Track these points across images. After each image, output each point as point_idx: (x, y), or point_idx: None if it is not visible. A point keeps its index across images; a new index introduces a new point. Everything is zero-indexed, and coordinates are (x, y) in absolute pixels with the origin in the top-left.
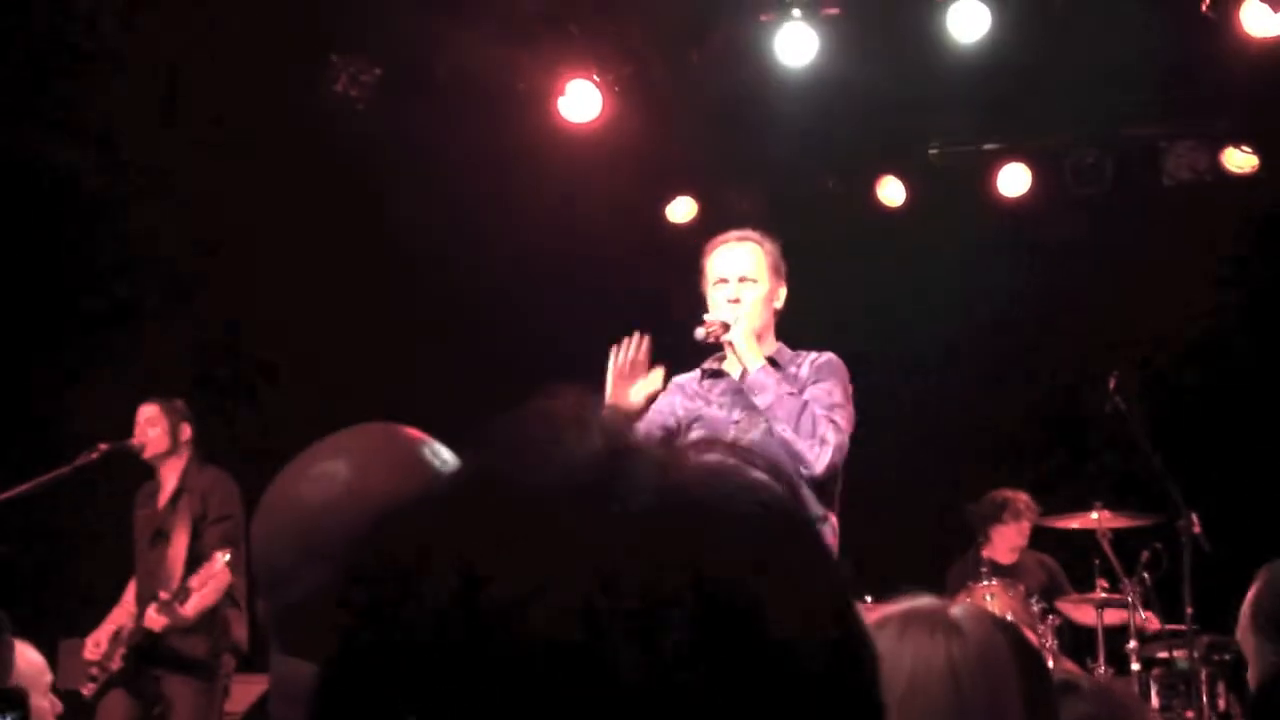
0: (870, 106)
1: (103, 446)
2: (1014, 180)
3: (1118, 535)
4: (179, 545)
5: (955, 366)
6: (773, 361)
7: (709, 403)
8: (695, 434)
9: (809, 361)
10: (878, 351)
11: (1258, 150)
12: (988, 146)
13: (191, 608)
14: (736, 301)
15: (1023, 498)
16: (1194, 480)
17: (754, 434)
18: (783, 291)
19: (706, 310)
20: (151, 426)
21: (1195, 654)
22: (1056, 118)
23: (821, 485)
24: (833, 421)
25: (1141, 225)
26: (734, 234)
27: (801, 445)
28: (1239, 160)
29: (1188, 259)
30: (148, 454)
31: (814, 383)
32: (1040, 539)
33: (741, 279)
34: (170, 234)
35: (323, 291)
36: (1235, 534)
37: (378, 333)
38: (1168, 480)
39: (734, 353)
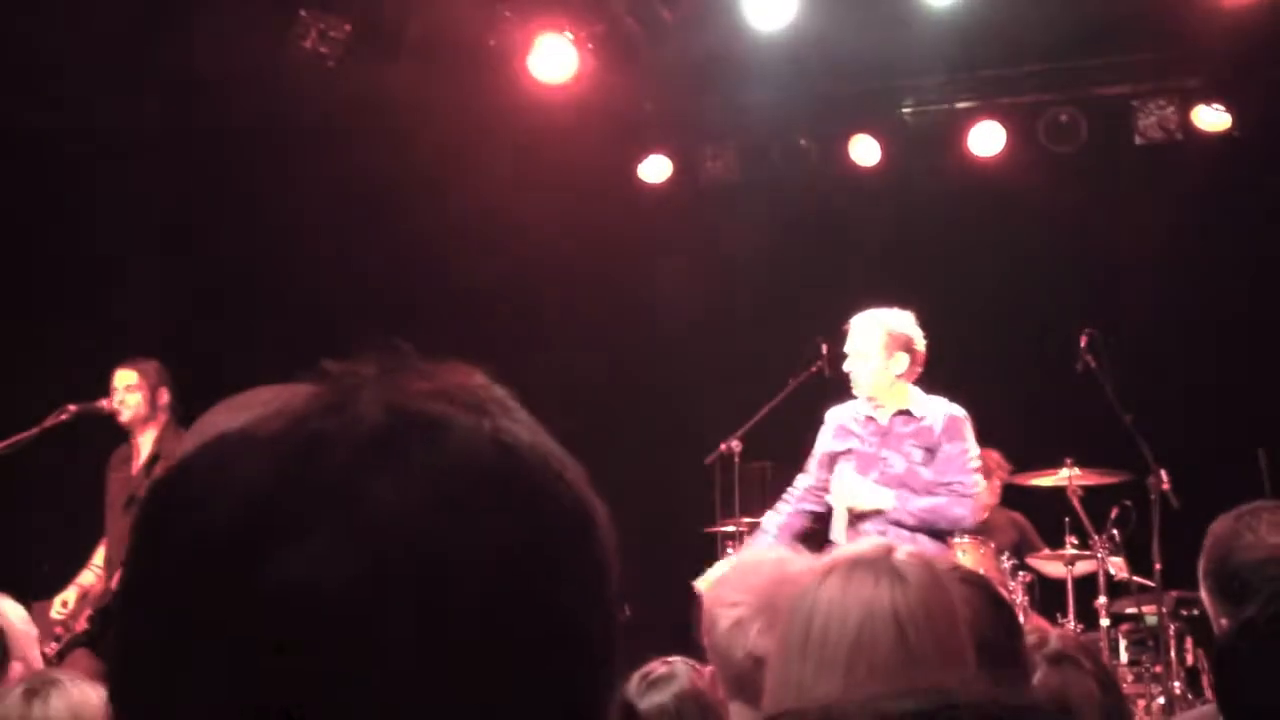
0: (843, 66)
1: (71, 408)
2: (987, 139)
3: (1088, 492)
4: (139, 475)
5: (926, 323)
6: (903, 413)
7: (862, 440)
8: (845, 463)
9: (942, 416)
10: (849, 309)
11: (1229, 109)
12: (961, 105)
13: None
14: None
15: (993, 456)
16: (1163, 438)
17: (898, 465)
18: (901, 357)
19: None
20: (130, 393)
21: (1163, 609)
22: (1030, 77)
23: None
24: (964, 484)
25: (1114, 183)
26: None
27: (945, 524)
28: (1210, 119)
29: (1159, 217)
30: (125, 420)
31: (949, 441)
32: (1011, 496)
33: (855, 353)
34: (139, 194)
35: (294, 249)
36: (1204, 491)
37: (350, 290)
38: (1137, 438)
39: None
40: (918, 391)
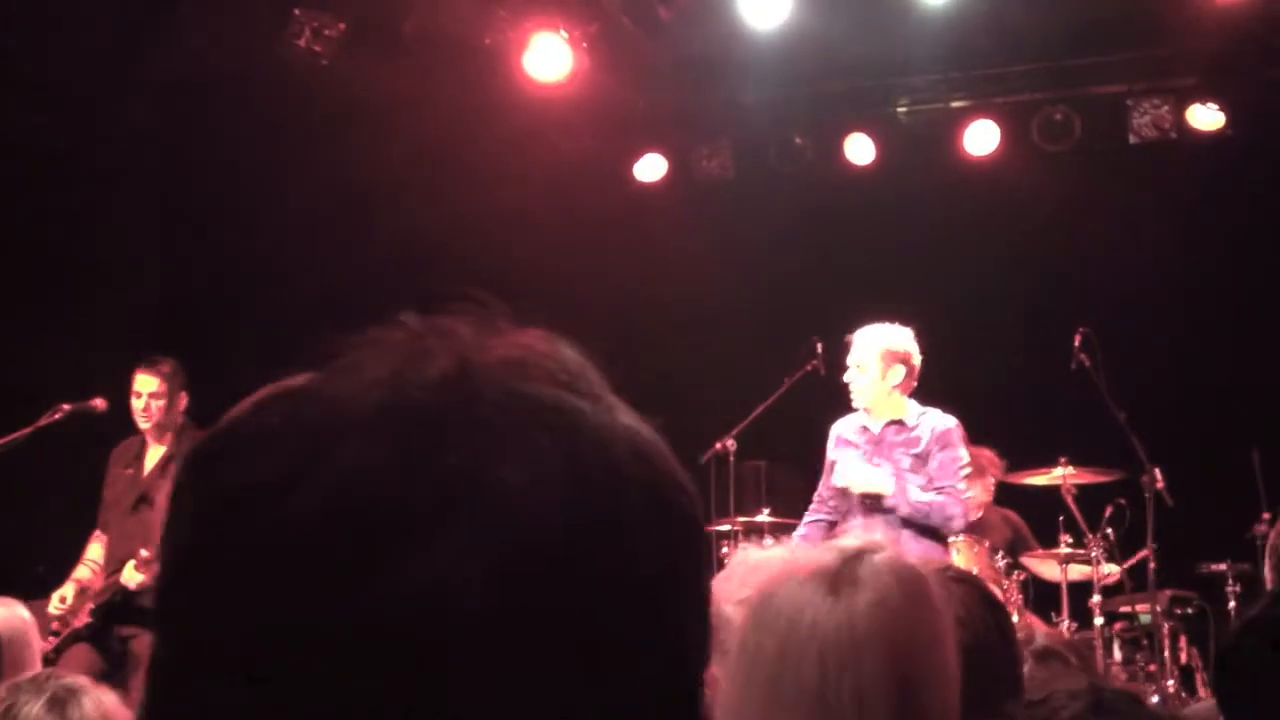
0: (838, 64)
1: (65, 407)
2: (982, 137)
3: (1082, 491)
4: (164, 509)
5: (922, 322)
6: (895, 423)
7: (858, 448)
8: (849, 452)
9: (930, 429)
10: (844, 307)
11: (1223, 108)
12: (956, 104)
13: None
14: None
15: (987, 454)
16: (1158, 436)
17: (888, 471)
18: (898, 370)
19: None
20: (155, 400)
21: (1157, 608)
22: (1024, 75)
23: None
24: (956, 489)
25: (1108, 182)
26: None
27: (935, 525)
28: (1204, 118)
29: (1153, 216)
30: (146, 427)
31: (940, 450)
32: (1005, 494)
33: (856, 365)
34: (133, 193)
35: (289, 248)
36: (1198, 490)
37: (346, 288)
38: (1131, 437)
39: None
40: (913, 403)
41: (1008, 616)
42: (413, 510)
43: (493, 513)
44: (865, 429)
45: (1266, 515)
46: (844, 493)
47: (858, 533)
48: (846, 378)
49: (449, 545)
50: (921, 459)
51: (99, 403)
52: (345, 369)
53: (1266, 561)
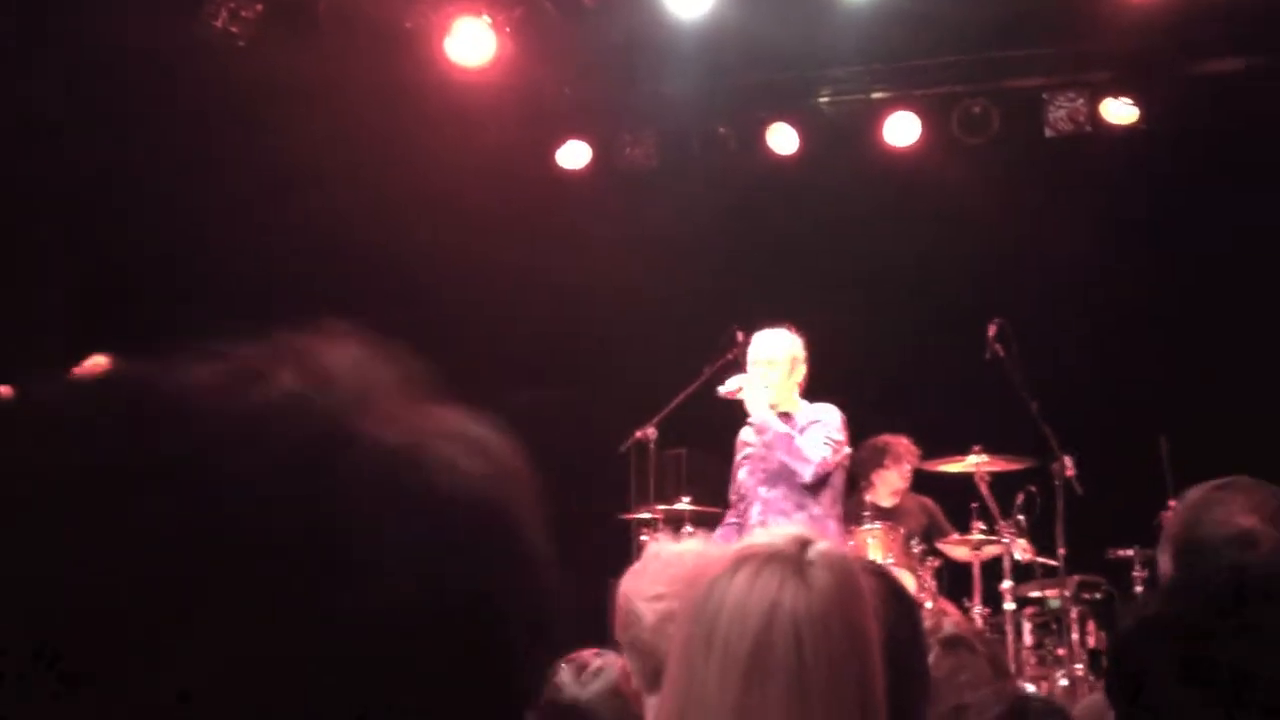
0: (762, 54)
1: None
2: (903, 129)
3: (995, 478)
4: None
5: (840, 311)
6: (786, 414)
7: (753, 445)
8: (743, 468)
9: (810, 414)
10: (765, 297)
11: (1137, 102)
12: (877, 95)
13: None
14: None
15: (903, 442)
16: (1069, 425)
17: (774, 460)
18: (800, 369)
19: None
20: None
21: (1066, 593)
22: (943, 68)
23: (813, 489)
24: (814, 449)
25: (1025, 174)
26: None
27: (795, 465)
28: (1119, 112)
29: (1068, 208)
30: None
31: (811, 424)
32: (921, 482)
33: (769, 361)
34: (42, 178)
35: (206, 232)
36: (1107, 477)
37: (262, 274)
38: (1043, 425)
39: (747, 405)
40: (803, 401)
41: (917, 610)
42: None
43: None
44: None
45: (1173, 502)
46: (743, 493)
47: (783, 529)
48: (753, 372)
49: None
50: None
51: (3, 390)
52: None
53: (1163, 551)
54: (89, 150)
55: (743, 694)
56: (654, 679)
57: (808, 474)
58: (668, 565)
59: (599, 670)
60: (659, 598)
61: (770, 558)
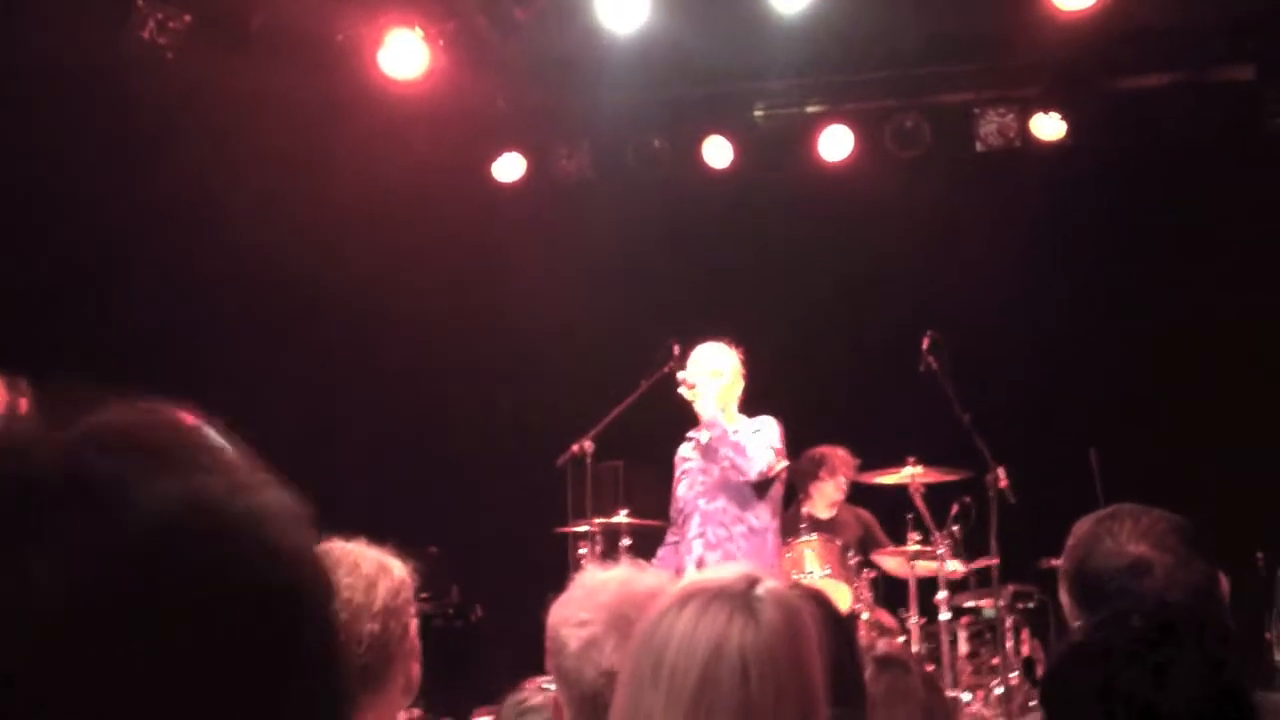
0: (696, 68)
1: None
2: (836, 143)
3: (930, 489)
4: None
5: (776, 324)
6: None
7: (690, 460)
8: (682, 482)
9: (751, 423)
10: (701, 309)
11: (1064, 117)
12: (811, 109)
13: None
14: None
15: (839, 453)
16: (1001, 437)
17: (714, 474)
18: (740, 382)
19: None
20: None
21: (1001, 602)
22: (876, 83)
23: (758, 489)
24: (759, 451)
25: (956, 189)
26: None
27: (740, 461)
28: (1047, 127)
29: (999, 222)
30: None
31: (753, 433)
32: (856, 493)
33: (714, 372)
34: None
35: (130, 249)
36: (1039, 488)
37: (187, 290)
38: (976, 437)
39: (696, 406)
40: (741, 415)
41: (855, 633)
42: None
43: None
44: (696, 441)
45: None
46: (681, 507)
47: (730, 566)
48: (694, 382)
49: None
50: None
51: None
52: None
53: (1061, 586)
54: (4, 164)
55: None
56: (579, 706)
57: (752, 471)
58: (593, 592)
59: (531, 707)
60: (583, 624)
61: (718, 594)
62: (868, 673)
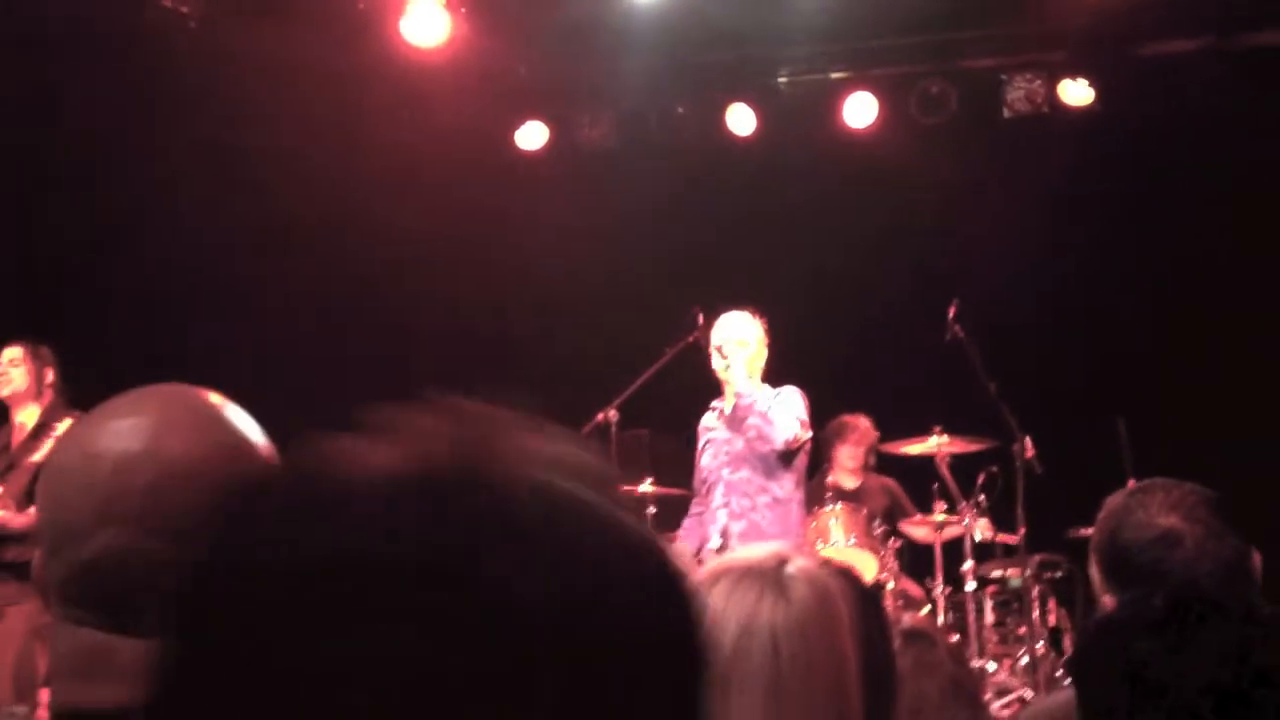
0: (720, 34)
1: None
2: (860, 109)
3: (956, 459)
4: (28, 469)
5: (800, 291)
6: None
7: (714, 429)
8: (706, 453)
9: (776, 395)
10: (725, 277)
11: (1093, 83)
12: (835, 75)
13: (26, 518)
14: (726, 360)
15: (862, 422)
16: (1028, 406)
17: (738, 444)
18: (765, 350)
19: None
20: (15, 367)
21: (1027, 572)
22: (902, 49)
23: (783, 458)
24: (785, 420)
25: (982, 155)
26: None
27: (767, 431)
28: (1075, 93)
29: (1026, 189)
30: (5, 394)
31: (779, 403)
32: (882, 463)
33: (740, 342)
34: None
35: (155, 218)
36: (1066, 458)
37: (213, 258)
38: (1002, 406)
39: (725, 377)
40: (765, 385)
41: (884, 610)
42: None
43: (505, 617)
44: (720, 411)
45: (1131, 482)
46: (705, 477)
47: (761, 546)
48: (726, 352)
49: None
50: (765, 417)
51: None
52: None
53: (1091, 560)
54: (30, 132)
55: (719, 702)
56: None
57: (779, 440)
58: None
59: None
60: None
61: (748, 572)
62: (896, 645)
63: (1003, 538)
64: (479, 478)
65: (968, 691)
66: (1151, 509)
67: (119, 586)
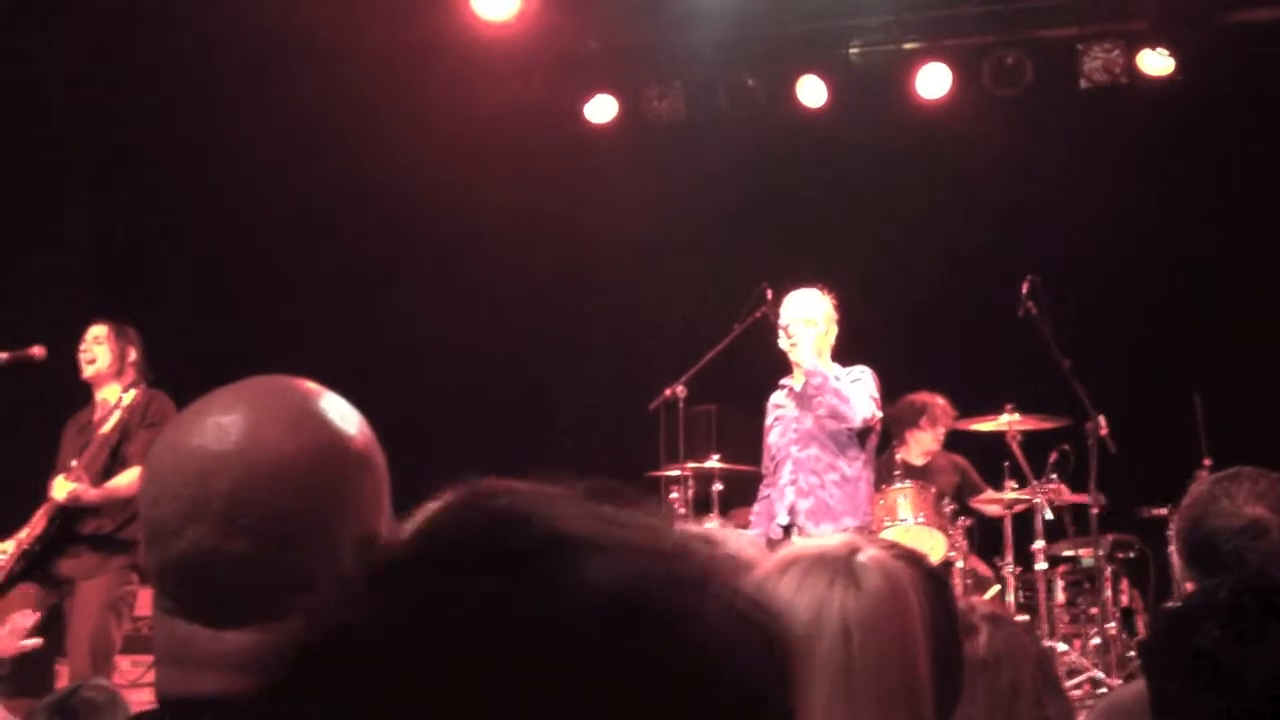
0: (791, 5)
1: (2, 356)
2: (934, 80)
3: (1027, 437)
4: (104, 442)
5: (871, 266)
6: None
7: (784, 408)
8: (774, 430)
9: (848, 373)
10: (794, 252)
11: (1173, 53)
12: (907, 46)
13: (101, 491)
14: (792, 339)
15: (940, 401)
16: (1103, 383)
17: (808, 422)
18: (834, 329)
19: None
20: (98, 344)
21: (1100, 552)
22: (976, 18)
23: (854, 437)
24: (860, 399)
25: (1058, 127)
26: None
27: (843, 409)
28: (1155, 63)
29: (1102, 161)
30: (88, 373)
31: (853, 381)
32: (952, 440)
33: (808, 320)
34: (63, 129)
35: (229, 185)
36: (1141, 436)
37: (287, 227)
38: (1075, 384)
39: (793, 356)
40: (835, 364)
41: (953, 596)
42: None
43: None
44: (790, 389)
45: (1208, 461)
46: (774, 454)
47: (833, 535)
48: (792, 332)
49: None
50: (837, 394)
51: (37, 350)
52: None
53: (1174, 546)
54: (101, 109)
55: None
56: None
57: (857, 419)
58: None
59: None
60: None
61: (819, 559)
62: (984, 633)
63: (1073, 497)
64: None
65: (1052, 674)
66: (1238, 498)
67: (205, 583)
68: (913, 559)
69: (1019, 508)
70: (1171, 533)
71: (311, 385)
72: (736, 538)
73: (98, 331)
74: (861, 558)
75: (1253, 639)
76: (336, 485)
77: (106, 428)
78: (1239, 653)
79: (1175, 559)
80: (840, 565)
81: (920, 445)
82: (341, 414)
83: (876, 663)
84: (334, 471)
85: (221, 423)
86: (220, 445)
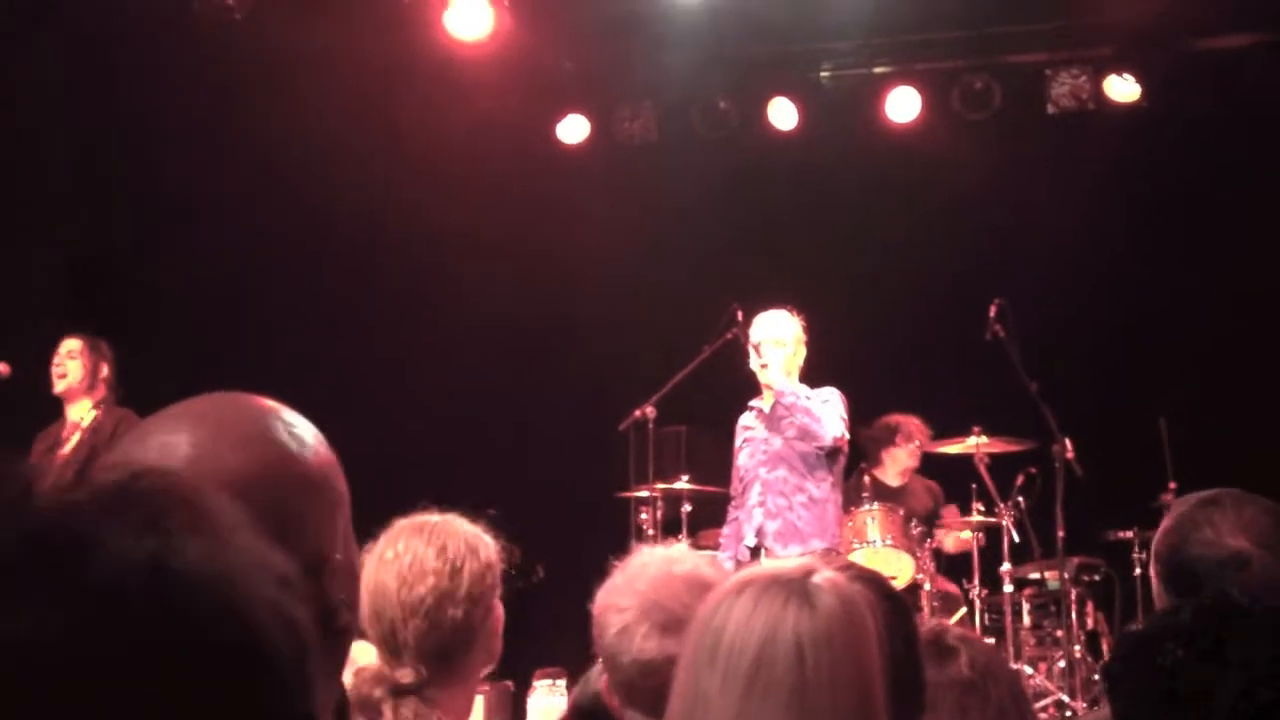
0: (762, 28)
1: None
2: (904, 104)
3: (994, 460)
4: (67, 463)
5: (839, 288)
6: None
7: (752, 428)
8: (744, 451)
9: (817, 394)
10: (764, 274)
11: (1139, 79)
12: (878, 70)
13: None
14: (763, 360)
15: (914, 421)
16: (1069, 406)
17: (776, 443)
18: (803, 351)
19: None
20: (71, 359)
21: (1065, 575)
22: (945, 43)
23: (820, 459)
24: (832, 418)
25: (1026, 151)
26: (774, 310)
27: (815, 428)
28: (1121, 89)
29: (1070, 186)
30: (59, 388)
31: (823, 402)
32: (921, 462)
33: (778, 341)
34: (39, 151)
35: (201, 208)
36: (1106, 459)
37: (259, 249)
38: (1042, 406)
39: (764, 378)
40: (803, 385)
41: (914, 619)
42: None
43: None
44: (759, 410)
45: (1173, 484)
46: (742, 475)
47: (789, 559)
48: (763, 352)
49: None
50: (808, 413)
51: (2, 368)
52: None
53: (1153, 569)
54: (83, 127)
55: (743, 707)
56: (624, 691)
57: (827, 437)
58: (632, 578)
59: (590, 678)
60: (620, 610)
61: (774, 580)
62: (964, 654)
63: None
64: None
65: (1024, 696)
66: (1221, 527)
67: None
68: (871, 580)
69: (962, 547)
70: (1140, 556)
71: (266, 403)
72: (695, 558)
73: (71, 346)
74: (817, 579)
75: (1216, 660)
76: (281, 505)
77: (68, 448)
78: (1202, 673)
79: (1154, 580)
80: (795, 586)
81: (896, 464)
82: (294, 433)
83: (830, 683)
84: (278, 491)
85: (167, 441)
86: (165, 464)
